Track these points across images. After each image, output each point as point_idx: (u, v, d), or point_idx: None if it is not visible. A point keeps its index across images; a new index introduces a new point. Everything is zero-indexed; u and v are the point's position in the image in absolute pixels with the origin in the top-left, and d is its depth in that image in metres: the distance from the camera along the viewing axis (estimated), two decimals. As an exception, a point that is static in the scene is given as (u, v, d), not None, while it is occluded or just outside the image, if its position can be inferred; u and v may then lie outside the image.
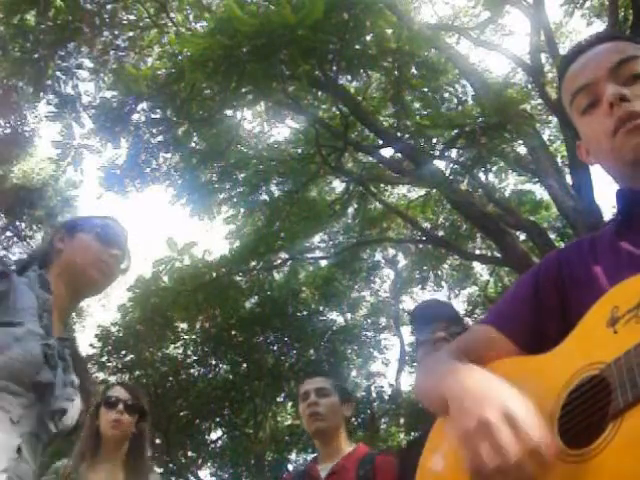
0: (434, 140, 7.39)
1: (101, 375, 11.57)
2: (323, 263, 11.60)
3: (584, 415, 0.87)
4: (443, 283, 13.02)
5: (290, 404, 12.79)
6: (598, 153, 1.11)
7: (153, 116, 8.09)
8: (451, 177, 7.38)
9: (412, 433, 11.89)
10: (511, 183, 11.24)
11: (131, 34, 8.58)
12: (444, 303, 3.04)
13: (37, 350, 1.39)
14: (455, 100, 8.80)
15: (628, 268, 0.92)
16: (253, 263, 9.71)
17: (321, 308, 12.54)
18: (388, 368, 13.91)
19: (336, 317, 13.24)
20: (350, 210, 10.66)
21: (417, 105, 8.52)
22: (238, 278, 10.19)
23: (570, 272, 1.08)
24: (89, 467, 2.43)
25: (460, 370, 1.00)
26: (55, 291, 1.58)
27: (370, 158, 9.09)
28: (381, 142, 8.30)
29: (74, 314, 13.47)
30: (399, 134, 7.76)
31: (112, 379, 11.54)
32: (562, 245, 9.41)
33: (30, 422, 1.38)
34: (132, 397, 2.57)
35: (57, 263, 1.64)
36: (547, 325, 1.06)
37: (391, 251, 13.33)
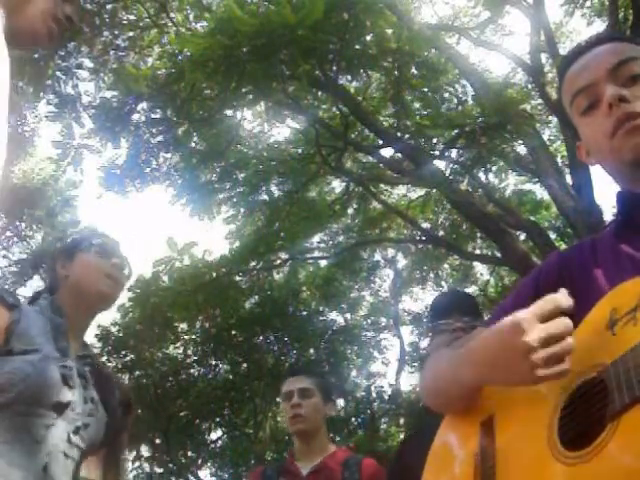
0: (434, 140, 7.39)
1: (101, 375, 11.58)
2: (323, 263, 11.59)
3: (583, 417, 0.88)
4: (443, 283, 13.02)
5: (290, 404, 12.78)
6: (598, 154, 1.12)
7: (153, 116, 8.09)
8: (451, 177, 7.38)
9: (412, 433, 11.89)
10: (511, 183, 11.24)
11: (131, 34, 8.57)
12: (463, 294, 3.02)
13: (54, 373, 1.47)
14: (455, 100, 8.80)
15: (628, 271, 0.92)
16: (253, 263, 9.71)
17: (321, 308, 12.54)
18: (388, 368, 13.91)
19: (336, 317, 13.24)
20: (350, 210, 10.66)
21: (417, 105, 8.52)
22: (238, 278, 10.18)
23: (571, 275, 1.08)
24: None
25: (470, 345, 1.04)
26: (71, 313, 1.65)
27: (370, 158, 9.09)
28: (381, 142, 8.30)
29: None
30: (399, 134, 7.76)
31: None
32: (562, 245, 9.42)
33: (55, 441, 1.44)
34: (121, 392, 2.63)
35: (65, 288, 1.70)
36: None
37: (391, 251, 13.33)
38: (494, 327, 0.98)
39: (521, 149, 8.31)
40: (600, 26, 9.06)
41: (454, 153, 7.47)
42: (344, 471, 2.43)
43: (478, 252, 10.93)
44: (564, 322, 0.90)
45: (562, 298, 0.92)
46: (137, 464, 11.50)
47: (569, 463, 0.84)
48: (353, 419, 12.51)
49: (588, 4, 8.99)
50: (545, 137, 8.87)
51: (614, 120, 1.04)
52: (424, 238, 9.99)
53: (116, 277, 1.74)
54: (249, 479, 2.76)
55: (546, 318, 0.90)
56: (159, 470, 11.92)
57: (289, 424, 2.59)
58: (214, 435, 12.52)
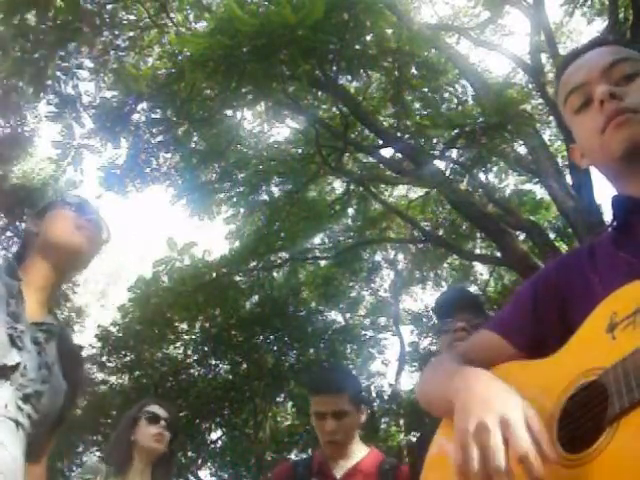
0: (434, 140, 7.39)
1: (101, 375, 11.59)
2: (323, 263, 11.60)
3: (582, 420, 0.88)
4: (443, 283, 13.02)
5: (290, 404, 12.80)
6: (590, 152, 1.12)
7: (153, 116, 8.10)
8: (451, 177, 7.38)
9: (412, 433, 11.89)
10: (511, 183, 11.24)
11: (131, 34, 8.57)
12: (468, 293, 2.98)
13: (1, 335, 1.37)
14: (455, 100, 8.81)
15: (626, 276, 0.92)
16: (253, 263, 9.72)
17: (321, 308, 12.54)
18: (388, 368, 13.93)
19: (336, 317, 13.25)
20: (350, 210, 10.67)
21: (417, 105, 8.52)
22: (238, 278, 10.19)
23: (568, 281, 1.08)
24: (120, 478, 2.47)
25: (467, 372, 1.02)
26: (36, 274, 1.55)
27: (370, 158, 9.09)
28: (381, 142, 8.30)
29: (74, 314, 13.48)
30: (399, 134, 7.76)
31: (112, 379, 11.56)
32: (562, 245, 9.42)
33: (3, 404, 1.34)
34: (170, 416, 2.67)
35: (36, 246, 1.59)
36: (547, 333, 1.07)
37: (391, 251, 13.34)
38: (474, 392, 0.94)
39: (521, 149, 8.32)
40: (600, 26, 9.07)
41: (454, 153, 7.48)
42: (379, 477, 2.37)
43: (478, 252, 10.93)
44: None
45: (533, 455, 0.83)
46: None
47: (569, 465, 0.85)
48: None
49: (588, 4, 8.99)
50: (545, 137, 8.86)
51: (605, 116, 1.04)
52: (424, 238, 9.98)
53: (88, 230, 1.61)
54: (275, 473, 2.56)
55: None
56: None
57: (323, 444, 2.43)
58: (214, 435, 12.53)
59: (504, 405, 0.88)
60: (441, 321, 2.25)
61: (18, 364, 1.39)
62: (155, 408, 2.65)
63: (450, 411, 0.96)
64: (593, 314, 0.94)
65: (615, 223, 1.08)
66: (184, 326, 11.30)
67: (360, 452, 2.47)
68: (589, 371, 0.89)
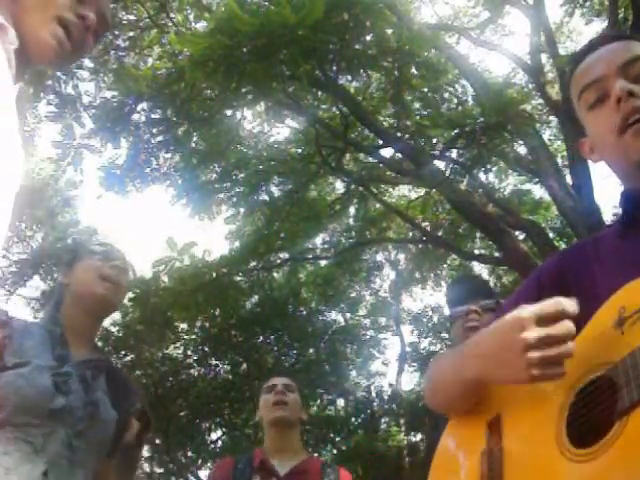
0: (434, 140, 7.38)
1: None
2: (323, 263, 11.60)
3: (591, 415, 0.88)
4: (443, 283, 13.02)
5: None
6: (603, 149, 1.11)
7: (153, 116, 8.08)
8: (451, 177, 7.37)
9: (412, 433, 11.90)
10: (511, 183, 11.24)
11: (131, 34, 8.57)
12: (477, 279, 2.99)
13: (45, 381, 1.50)
14: (455, 100, 8.80)
15: (632, 270, 0.92)
16: (253, 263, 9.71)
17: (321, 308, 12.54)
18: (388, 368, 13.92)
19: (336, 317, 13.25)
20: (350, 210, 10.66)
21: (417, 105, 8.52)
22: (238, 278, 10.18)
23: (573, 275, 1.08)
24: None
25: (471, 339, 1.05)
26: (74, 321, 1.69)
27: (370, 158, 9.09)
28: (381, 142, 8.30)
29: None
30: (399, 134, 7.76)
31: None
32: (562, 245, 9.41)
33: (56, 448, 1.47)
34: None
35: (67, 297, 1.73)
36: None
37: (391, 251, 13.33)
38: (496, 322, 0.98)
39: (521, 149, 8.32)
40: (600, 26, 9.07)
41: (454, 153, 7.46)
42: (323, 476, 2.42)
43: (478, 252, 10.93)
44: (566, 326, 0.90)
45: (567, 303, 0.91)
46: (137, 464, 11.50)
47: (578, 460, 0.85)
48: (353, 419, 12.51)
49: (588, 4, 8.99)
50: (545, 137, 8.87)
51: (622, 115, 1.03)
52: (424, 238, 9.99)
53: (114, 279, 1.74)
54: (217, 470, 2.63)
55: (548, 319, 0.90)
56: (159, 470, 11.93)
57: (270, 411, 2.55)
58: (214, 435, 12.52)
59: (519, 312, 0.93)
60: (452, 310, 2.24)
61: (64, 406, 1.51)
62: None
63: (462, 392, 0.96)
64: (601, 309, 0.94)
65: (623, 218, 1.08)
66: (184, 326, 11.29)
67: (303, 454, 2.57)
68: (597, 366, 0.89)
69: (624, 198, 1.08)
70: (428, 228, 10.11)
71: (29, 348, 1.55)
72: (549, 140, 9.44)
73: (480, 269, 12.99)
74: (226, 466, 2.55)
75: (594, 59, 1.12)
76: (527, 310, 0.91)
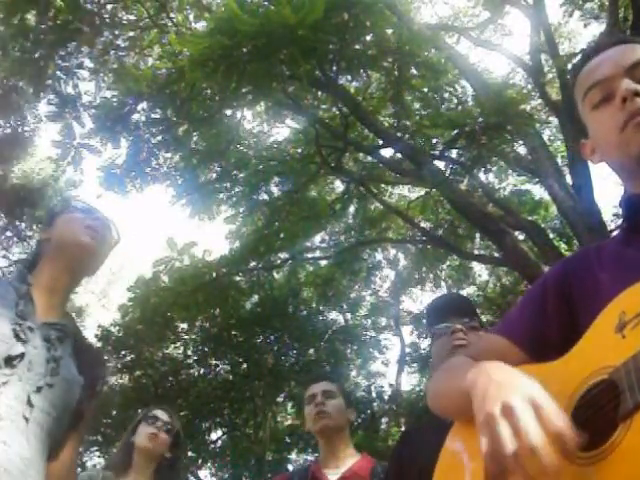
0: (434, 140, 7.39)
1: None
2: (323, 263, 11.60)
3: (594, 418, 0.88)
4: (442, 283, 13.02)
5: (290, 404, 12.79)
6: (605, 148, 1.11)
7: (153, 116, 8.09)
8: (451, 177, 7.38)
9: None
10: (511, 183, 11.25)
11: (131, 34, 8.57)
12: (458, 296, 2.99)
13: (5, 329, 1.41)
14: (455, 100, 8.81)
15: (634, 274, 0.91)
16: (253, 263, 9.71)
17: (321, 308, 12.55)
18: (388, 368, 13.94)
19: (336, 317, 13.26)
20: (350, 210, 10.66)
21: (417, 105, 8.52)
22: (238, 278, 10.19)
23: (577, 282, 1.08)
24: None
25: (483, 364, 1.00)
26: (47, 276, 1.60)
27: (370, 158, 9.09)
28: (381, 142, 8.30)
29: (74, 314, 13.46)
30: (399, 134, 7.76)
31: (112, 379, 11.55)
32: (562, 245, 9.42)
33: (10, 402, 1.35)
34: (172, 421, 2.67)
35: (48, 251, 1.64)
36: (557, 335, 1.06)
37: (391, 251, 13.34)
38: (495, 375, 0.92)
39: (521, 149, 8.32)
40: (600, 27, 9.07)
41: (454, 153, 7.46)
42: (372, 479, 2.41)
43: (477, 252, 10.93)
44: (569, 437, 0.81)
45: (569, 436, 0.81)
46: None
47: (581, 464, 0.84)
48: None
49: (588, 4, 8.99)
50: (545, 137, 8.87)
51: (626, 114, 1.03)
52: (424, 238, 9.99)
53: (97, 229, 1.65)
54: None
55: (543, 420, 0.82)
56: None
57: (313, 423, 2.56)
58: (214, 435, 12.53)
59: (529, 387, 0.86)
60: (433, 327, 2.23)
61: (23, 354, 1.40)
62: (157, 412, 2.66)
63: (465, 407, 0.94)
64: (602, 314, 0.94)
65: (625, 224, 1.08)
66: (184, 326, 11.30)
67: (354, 457, 2.55)
68: (599, 370, 0.89)
69: (624, 204, 1.08)
70: (428, 228, 10.12)
71: None
72: (549, 140, 9.45)
73: (480, 269, 13.02)
74: None
75: (600, 60, 1.12)
76: (525, 393, 0.84)
